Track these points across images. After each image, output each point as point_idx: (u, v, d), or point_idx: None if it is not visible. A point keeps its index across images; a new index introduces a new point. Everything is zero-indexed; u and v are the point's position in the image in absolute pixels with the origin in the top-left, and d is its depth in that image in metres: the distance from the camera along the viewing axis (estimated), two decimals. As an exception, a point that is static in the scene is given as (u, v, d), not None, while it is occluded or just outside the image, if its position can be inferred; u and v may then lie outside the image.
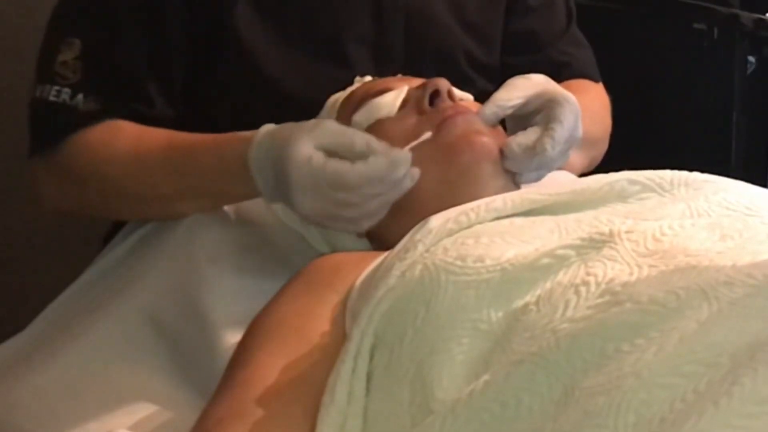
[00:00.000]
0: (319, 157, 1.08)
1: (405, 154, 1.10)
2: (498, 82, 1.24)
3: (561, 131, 1.15)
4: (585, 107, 1.21)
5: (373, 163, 1.08)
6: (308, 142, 1.09)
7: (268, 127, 1.14)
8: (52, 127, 1.29)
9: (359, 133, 1.12)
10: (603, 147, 1.46)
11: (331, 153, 1.09)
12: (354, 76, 1.32)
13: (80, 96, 1.27)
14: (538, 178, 1.19)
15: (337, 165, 1.08)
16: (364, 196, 1.09)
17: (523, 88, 1.19)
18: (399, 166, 1.09)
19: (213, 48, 1.32)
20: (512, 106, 1.18)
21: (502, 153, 1.16)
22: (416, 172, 1.11)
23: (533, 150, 1.14)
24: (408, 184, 1.11)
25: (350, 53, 1.36)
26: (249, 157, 1.13)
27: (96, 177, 1.26)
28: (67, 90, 1.28)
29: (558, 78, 1.26)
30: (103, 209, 1.33)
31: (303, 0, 1.34)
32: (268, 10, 1.33)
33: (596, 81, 1.51)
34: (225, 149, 1.18)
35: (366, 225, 1.14)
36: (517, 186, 1.18)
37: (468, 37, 1.45)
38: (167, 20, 1.30)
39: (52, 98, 1.28)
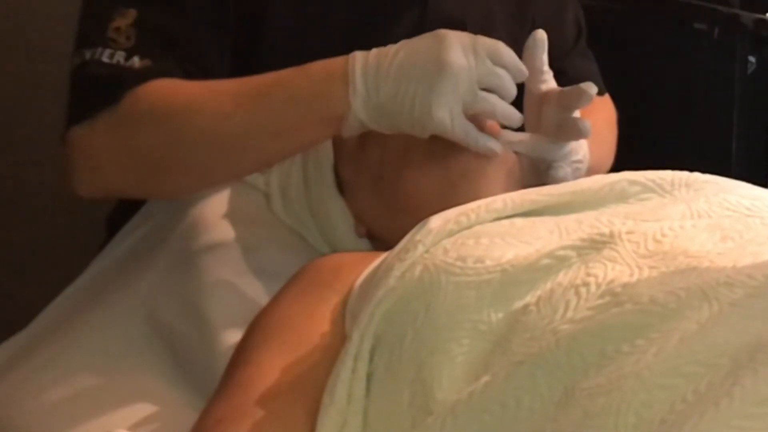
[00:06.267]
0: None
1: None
2: None
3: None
4: (594, 132, 1.21)
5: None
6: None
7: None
8: (109, 84, 1.21)
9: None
10: (608, 164, 1.46)
11: None
12: None
13: (135, 58, 1.22)
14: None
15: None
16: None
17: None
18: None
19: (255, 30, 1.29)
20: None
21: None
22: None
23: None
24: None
25: None
26: (355, 66, 1.13)
27: (160, 114, 1.20)
28: (121, 53, 1.22)
29: None
30: (154, 172, 1.23)
31: (346, 7, 1.32)
32: (308, 16, 1.31)
33: (602, 95, 1.49)
34: (314, 69, 1.16)
35: None
36: (518, 187, 1.18)
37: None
38: None
39: (105, 60, 1.22)
